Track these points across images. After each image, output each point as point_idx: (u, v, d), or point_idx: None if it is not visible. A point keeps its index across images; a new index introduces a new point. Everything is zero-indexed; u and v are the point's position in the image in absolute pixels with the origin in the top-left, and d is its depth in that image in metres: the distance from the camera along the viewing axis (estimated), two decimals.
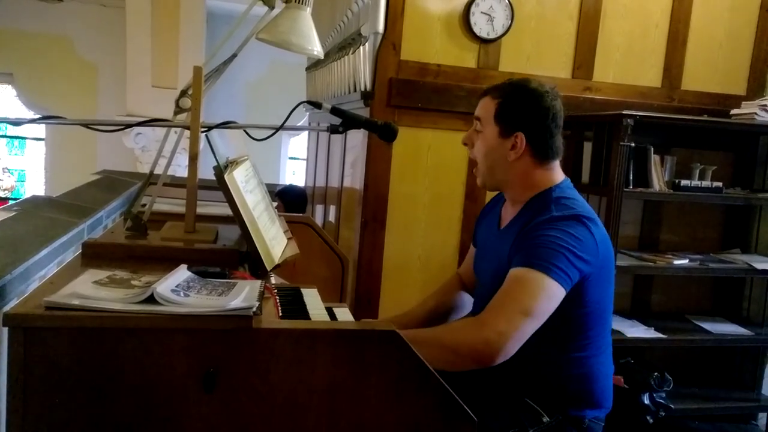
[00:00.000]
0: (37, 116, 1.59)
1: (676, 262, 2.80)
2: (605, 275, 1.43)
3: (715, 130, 2.98)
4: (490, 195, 2.73)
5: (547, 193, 1.46)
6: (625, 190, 2.65)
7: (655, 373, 2.64)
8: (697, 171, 2.88)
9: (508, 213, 1.55)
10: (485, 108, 1.49)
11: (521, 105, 1.45)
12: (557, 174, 1.51)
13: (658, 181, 2.78)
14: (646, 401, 2.62)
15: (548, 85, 1.49)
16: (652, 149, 2.78)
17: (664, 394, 2.67)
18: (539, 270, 1.32)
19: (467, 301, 1.75)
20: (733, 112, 2.92)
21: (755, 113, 2.80)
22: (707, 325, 2.94)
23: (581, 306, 1.40)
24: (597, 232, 1.41)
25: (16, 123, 1.52)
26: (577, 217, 1.40)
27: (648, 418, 2.62)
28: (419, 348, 1.26)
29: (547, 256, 1.33)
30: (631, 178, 2.73)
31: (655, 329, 2.83)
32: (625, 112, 2.61)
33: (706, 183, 2.84)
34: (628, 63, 2.93)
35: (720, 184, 2.84)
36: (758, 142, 3.10)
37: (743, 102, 2.94)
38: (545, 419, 1.43)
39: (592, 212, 1.45)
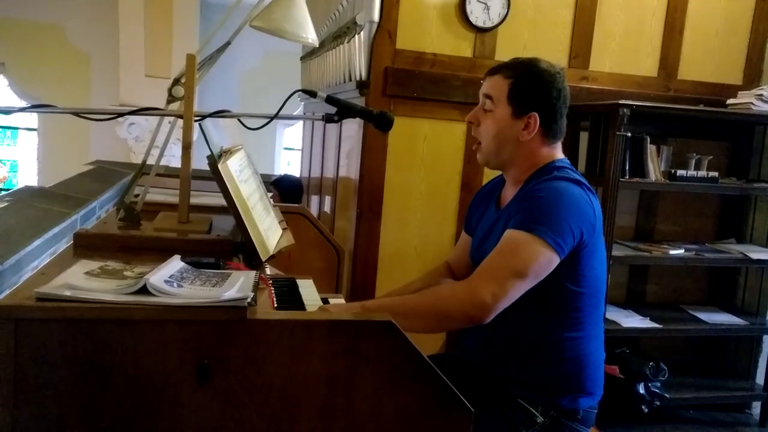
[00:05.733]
0: (27, 105, 1.57)
1: (672, 252, 2.81)
2: (599, 248, 1.45)
3: (711, 120, 2.98)
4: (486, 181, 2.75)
5: (548, 165, 1.48)
6: (621, 180, 2.65)
7: (651, 363, 2.65)
8: (693, 161, 2.88)
9: (509, 193, 1.55)
10: (497, 87, 1.47)
11: (535, 86, 1.45)
12: (559, 153, 1.53)
13: (655, 171, 2.78)
14: (642, 391, 2.64)
15: (557, 66, 1.49)
16: (649, 139, 2.78)
17: (659, 384, 2.68)
18: (534, 233, 1.33)
19: None
20: (729, 101, 2.92)
21: (751, 103, 2.80)
22: (702, 315, 2.95)
23: (575, 279, 1.41)
24: (595, 202, 1.44)
25: (6, 111, 1.51)
26: (578, 182, 1.43)
27: (643, 407, 2.63)
28: (409, 319, 1.28)
29: (543, 220, 1.34)
30: (627, 168, 2.72)
31: (651, 319, 2.84)
32: (621, 101, 2.61)
33: (701, 173, 2.84)
34: (625, 52, 2.92)
35: (716, 174, 2.84)
36: (754, 131, 3.10)
37: (739, 92, 2.93)
38: (539, 419, 1.43)
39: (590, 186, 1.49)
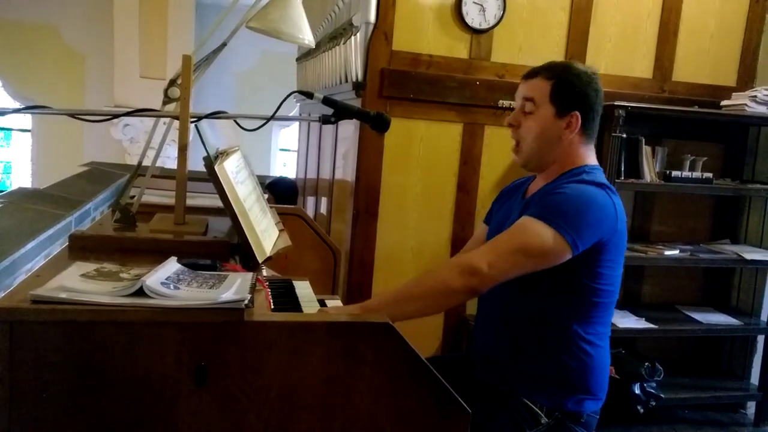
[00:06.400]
0: (21, 106, 1.56)
1: (667, 252, 2.82)
2: (619, 250, 1.47)
3: (706, 121, 2.99)
4: (483, 188, 2.75)
5: (580, 168, 1.51)
6: (616, 181, 2.66)
7: (646, 363, 2.66)
8: (688, 162, 2.90)
9: (536, 185, 1.57)
10: (538, 88, 1.50)
11: (576, 86, 1.49)
12: (593, 156, 1.56)
13: (650, 172, 2.79)
14: (637, 391, 2.64)
15: (592, 68, 1.55)
16: (644, 140, 2.79)
17: (654, 384, 2.69)
18: (547, 224, 1.35)
19: None
20: (724, 103, 2.93)
21: (745, 104, 2.81)
22: (697, 315, 2.97)
23: (593, 277, 1.42)
24: (618, 205, 1.46)
25: (0, 113, 1.50)
26: (603, 186, 1.46)
27: (638, 407, 2.64)
28: (413, 302, 1.33)
29: (561, 215, 1.36)
30: (622, 169, 2.73)
31: (646, 320, 2.85)
32: (616, 103, 2.61)
33: (696, 174, 2.85)
34: (620, 54, 2.93)
35: (710, 175, 2.85)
36: (748, 133, 3.11)
37: (733, 93, 2.95)
38: (543, 420, 1.44)
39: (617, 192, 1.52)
